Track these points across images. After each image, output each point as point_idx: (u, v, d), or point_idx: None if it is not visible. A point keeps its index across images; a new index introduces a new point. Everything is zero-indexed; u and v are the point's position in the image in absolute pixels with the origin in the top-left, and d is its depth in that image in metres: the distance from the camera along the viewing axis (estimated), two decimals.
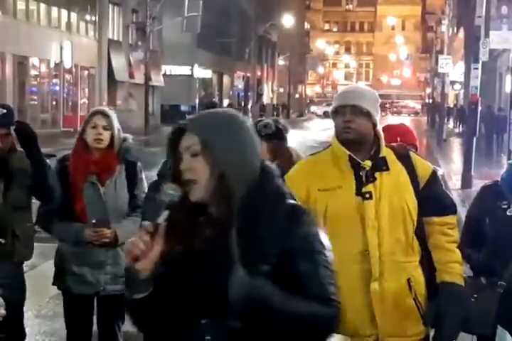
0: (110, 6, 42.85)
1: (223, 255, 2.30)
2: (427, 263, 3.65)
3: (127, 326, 4.08)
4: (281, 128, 4.83)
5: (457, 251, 3.70)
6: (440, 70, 38.02)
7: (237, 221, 2.32)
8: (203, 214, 2.38)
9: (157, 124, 44.22)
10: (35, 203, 4.93)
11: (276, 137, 4.80)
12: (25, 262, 4.98)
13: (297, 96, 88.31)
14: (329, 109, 3.92)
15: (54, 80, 37.89)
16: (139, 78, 42.23)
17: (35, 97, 35.71)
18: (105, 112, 4.87)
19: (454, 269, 3.65)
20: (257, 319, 2.27)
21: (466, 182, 17.34)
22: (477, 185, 13.22)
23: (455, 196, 13.66)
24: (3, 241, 4.71)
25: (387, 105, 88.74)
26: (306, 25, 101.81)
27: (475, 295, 4.13)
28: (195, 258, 2.35)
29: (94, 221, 4.80)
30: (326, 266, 2.34)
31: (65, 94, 38.92)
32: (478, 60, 18.03)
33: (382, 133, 3.66)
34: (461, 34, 49.54)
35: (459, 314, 3.63)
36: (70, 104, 39.49)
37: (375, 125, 3.62)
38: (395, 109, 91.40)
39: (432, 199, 3.65)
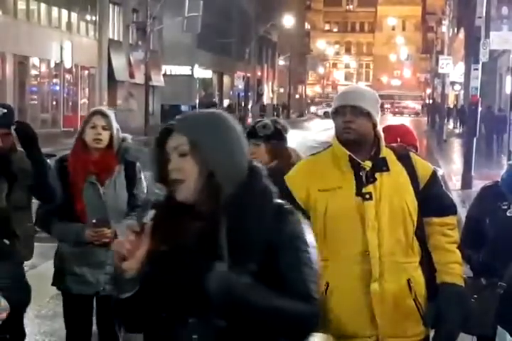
0: (110, 5, 42.87)
1: (210, 254, 2.32)
2: (427, 264, 3.65)
3: None
4: (280, 128, 4.83)
5: (457, 251, 3.69)
6: (440, 71, 38.03)
7: (224, 219, 2.34)
8: (190, 214, 2.40)
9: (157, 124, 44.14)
10: (35, 203, 4.93)
11: (275, 137, 4.80)
12: (25, 262, 4.98)
13: (297, 96, 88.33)
14: (329, 109, 3.92)
15: (54, 80, 37.90)
16: (139, 78, 42.23)
17: (36, 97, 35.72)
18: (104, 112, 4.87)
19: (454, 270, 3.65)
20: (236, 314, 2.29)
21: (466, 182, 17.35)
22: (477, 185, 13.23)
23: (455, 196, 13.65)
24: (7, 242, 4.71)
25: (388, 105, 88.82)
26: (307, 26, 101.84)
27: (475, 296, 4.12)
28: (181, 257, 2.36)
29: (94, 221, 4.80)
30: (309, 264, 2.37)
31: (65, 94, 38.93)
32: (478, 60, 18.03)
33: (382, 134, 3.66)
34: (462, 35, 49.55)
35: (459, 314, 3.63)
36: (70, 103, 39.50)
37: (375, 125, 3.62)
38: (396, 110, 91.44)
39: (432, 199, 3.65)
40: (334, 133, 3.69)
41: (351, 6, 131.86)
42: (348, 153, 3.58)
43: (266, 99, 73.27)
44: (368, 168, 3.57)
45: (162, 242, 2.37)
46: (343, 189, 3.56)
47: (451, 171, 20.86)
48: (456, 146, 33.16)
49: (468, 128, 18.79)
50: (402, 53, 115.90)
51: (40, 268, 7.84)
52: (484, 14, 18.69)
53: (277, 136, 4.80)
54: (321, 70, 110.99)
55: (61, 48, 36.82)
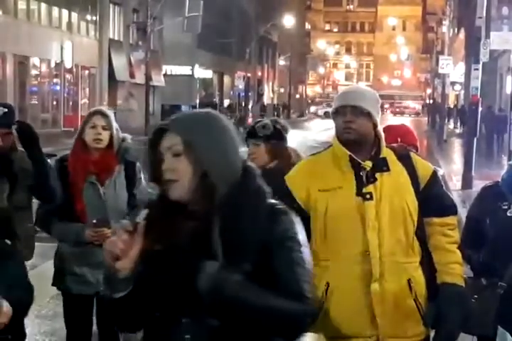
0: (111, 5, 42.88)
1: (204, 253, 2.32)
2: (428, 264, 3.64)
3: None
4: (280, 128, 4.82)
5: (457, 251, 3.69)
6: (441, 71, 38.02)
7: (218, 219, 2.35)
8: (183, 213, 2.40)
9: (157, 124, 44.15)
10: (35, 203, 4.92)
11: (275, 137, 4.79)
12: (25, 262, 4.97)
13: (298, 96, 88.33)
14: (329, 109, 3.93)
15: (55, 80, 37.91)
16: (140, 78, 42.23)
17: (36, 97, 35.74)
18: (104, 112, 4.87)
19: (455, 270, 3.65)
20: (229, 313, 2.29)
21: (466, 182, 17.35)
22: (477, 185, 13.24)
23: (455, 197, 13.65)
24: (9, 242, 4.71)
25: (387, 106, 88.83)
26: (307, 26, 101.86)
27: (475, 296, 4.12)
28: (174, 256, 2.36)
29: (94, 221, 4.80)
30: (301, 264, 2.38)
31: (65, 94, 38.93)
32: (478, 60, 18.03)
33: (382, 134, 3.66)
34: (462, 35, 49.54)
35: (459, 315, 3.63)
36: (71, 103, 39.51)
37: (375, 125, 3.62)
38: (397, 110, 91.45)
39: (432, 199, 3.64)
40: (334, 133, 3.69)
41: (351, 6, 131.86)
42: (349, 153, 3.58)
43: (266, 99, 73.28)
44: (368, 168, 3.57)
45: (155, 242, 2.37)
46: (343, 189, 3.56)
47: (452, 171, 20.86)
48: (456, 146, 33.16)
49: (469, 128, 18.79)
50: (402, 53, 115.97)
51: (40, 268, 7.83)
52: (485, 14, 18.70)
53: (277, 136, 4.80)
54: (321, 70, 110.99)
55: (61, 48, 36.83)
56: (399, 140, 4.54)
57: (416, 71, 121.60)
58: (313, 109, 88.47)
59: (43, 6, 35.83)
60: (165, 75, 50.32)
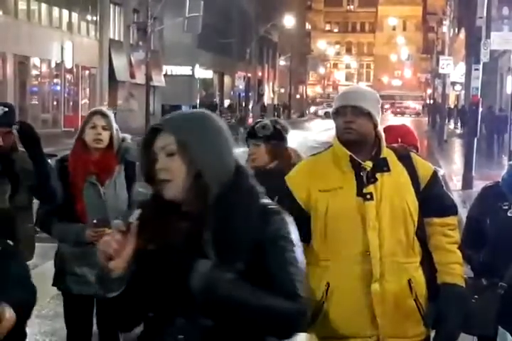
0: (111, 6, 42.90)
1: (197, 253, 2.33)
2: (428, 264, 3.64)
3: None
4: (280, 128, 4.82)
5: (458, 252, 3.69)
6: (441, 71, 37.99)
7: (211, 219, 2.35)
8: (177, 213, 2.40)
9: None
10: (35, 203, 4.92)
11: (275, 138, 4.78)
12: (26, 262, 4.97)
13: (298, 96, 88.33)
14: (330, 109, 3.93)
15: (55, 80, 37.93)
16: (140, 78, 42.21)
17: (36, 97, 35.76)
18: (104, 112, 4.87)
19: (455, 270, 3.64)
20: (222, 313, 2.30)
21: (466, 183, 17.35)
22: (478, 185, 13.22)
23: (456, 197, 13.65)
24: (11, 243, 4.71)
25: (388, 106, 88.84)
26: (307, 26, 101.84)
27: (476, 296, 4.12)
28: (168, 256, 2.36)
29: (95, 221, 4.80)
30: (294, 263, 2.38)
31: (66, 94, 38.95)
32: (479, 60, 18.03)
33: (383, 134, 3.66)
34: (462, 35, 49.51)
35: (459, 315, 3.63)
36: (71, 104, 39.52)
37: (376, 126, 3.62)
38: (397, 110, 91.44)
39: (432, 200, 3.64)
40: (335, 134, 3.68)
41: (352, 6, 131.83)
42: (349, 153, 3.58)
43: (267, 99, 73.26)
44: (368, 168, 3.57)
45: (149, 241, 2.37)
46: (343, 189, 3.56)
47: (452, 171, 20.86)
48: (456, 146, 33.15)
49: (469, 128, 18.78)
50: (402, 53, 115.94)
51: (40, 269, 7.82)
52: (485, 14, 18.69)
53: (277, 136, 4.79)
54: (321, 70, 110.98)
55: (62, 48, 36.84)
56: (399, 140, 4.54)
57: (416, 71, 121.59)
58: (313, 109, 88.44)
59: (44, 6, 35.85)
60: (165, 75, 50.33)
